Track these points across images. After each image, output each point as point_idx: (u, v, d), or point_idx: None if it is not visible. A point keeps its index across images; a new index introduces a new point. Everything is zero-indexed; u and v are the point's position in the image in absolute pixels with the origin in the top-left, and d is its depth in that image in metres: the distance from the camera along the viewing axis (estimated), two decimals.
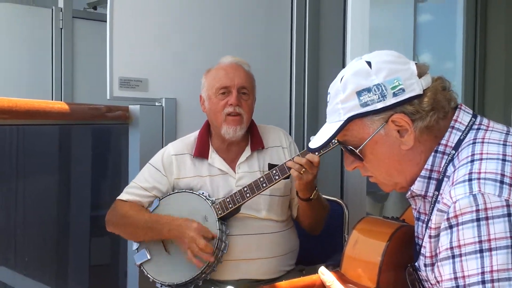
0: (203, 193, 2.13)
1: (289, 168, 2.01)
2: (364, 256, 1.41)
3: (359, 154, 1.32)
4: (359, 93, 1.26)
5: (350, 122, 1.29)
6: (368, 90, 1.25)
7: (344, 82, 1.29)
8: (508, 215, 1.10)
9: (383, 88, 1.25)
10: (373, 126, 1.28)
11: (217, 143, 2.23)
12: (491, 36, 3.95)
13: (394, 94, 1.25)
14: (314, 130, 2.05)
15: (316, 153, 1.98)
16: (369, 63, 1.28)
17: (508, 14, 3.81)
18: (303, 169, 1.96)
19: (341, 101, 1.29)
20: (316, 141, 1.36)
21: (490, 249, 1.09)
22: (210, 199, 2.11)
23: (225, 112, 2.14)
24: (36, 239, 3.23)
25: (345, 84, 1.28)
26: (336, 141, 1.38)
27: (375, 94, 1.25)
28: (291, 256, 2.23)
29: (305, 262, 2.32)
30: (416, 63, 1.30)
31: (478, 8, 3.94)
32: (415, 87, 1.25)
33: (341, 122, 1.29)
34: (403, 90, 1.25)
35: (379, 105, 1.25)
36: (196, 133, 2.28)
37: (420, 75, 1.27)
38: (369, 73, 1.26)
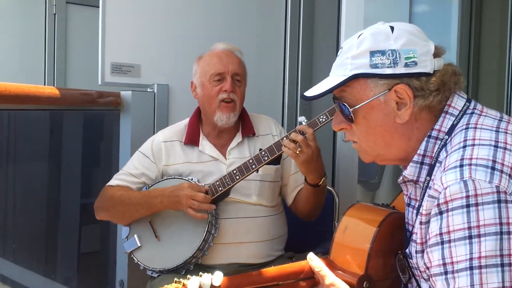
0: (192, 178, 2.12)
1: (278, 149, 2.00)
2: (353, 243, 1.40)
3: (351, 114, 1.30)
4: (372, 53, 1.25)
5: (354, 80, 1.27)
6: (383, 53, 1.24)
7: (361, 39, 1.27)
8: (498, 201, 1.09)
9: (398, 55, 1.24)
10: (375, 90, 1.26)
11: (207, 129, 2.22)
12: (485, 28, 3.95)
13: (406, 65, 1.24)
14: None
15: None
16: (392, 28, 1.27)
17: (503, 6, 3.80)
18: (299, 149, 1.95)
19: (352, 57, 1.27)
20: (313, 91, 1.34)
21: (479, 235, 1.08)
22: (200, 184, 2.10)
23: (219, 98, 2.13)
24: (25, 226, 3.20)
25: (361, 41, 1.27)
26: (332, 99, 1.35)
27: (388, 59, 1.24)
28: (279, 241, 2.23)
29: (295, 249, 2.32)
30: (435, 45, 1.29)
31: (473, 0, 3.94)
32: (427, 64, 1.25)
33: (346, 77, 1.27)
34: (415, 63, 1.24)
35: (388, 71, 1.24)
36: (186, 121, 2.26)
37: (435, 56, 1.27)
38: (389, 36, 1.25)
